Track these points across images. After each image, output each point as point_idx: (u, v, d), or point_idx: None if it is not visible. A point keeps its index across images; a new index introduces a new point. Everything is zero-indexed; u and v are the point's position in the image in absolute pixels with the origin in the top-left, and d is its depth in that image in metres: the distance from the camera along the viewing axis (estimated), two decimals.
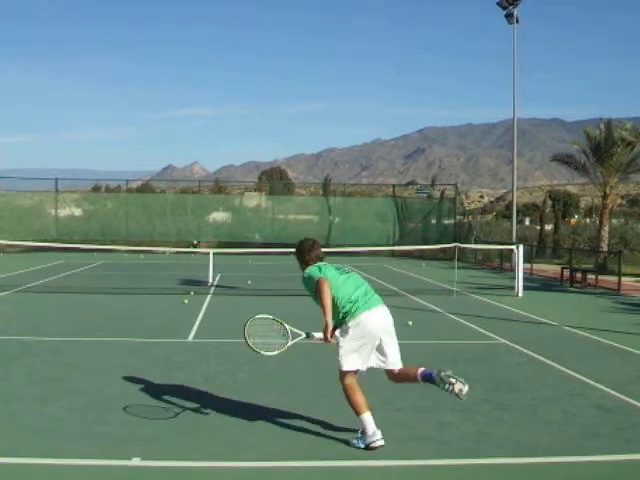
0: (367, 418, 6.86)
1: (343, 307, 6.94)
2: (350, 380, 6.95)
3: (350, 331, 6.90)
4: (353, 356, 6.90)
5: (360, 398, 6.92)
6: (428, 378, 6.98)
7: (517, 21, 36.94)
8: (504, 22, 37.54)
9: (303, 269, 7.35)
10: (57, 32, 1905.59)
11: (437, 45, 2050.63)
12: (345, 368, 6.91)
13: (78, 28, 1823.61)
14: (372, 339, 6.95)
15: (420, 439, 7.18)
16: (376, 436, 6.80)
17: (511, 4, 36.79)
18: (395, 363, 7.16)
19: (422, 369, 7.04)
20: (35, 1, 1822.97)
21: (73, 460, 6.33)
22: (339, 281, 7.05)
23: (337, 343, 6.94)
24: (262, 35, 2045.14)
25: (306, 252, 7.43)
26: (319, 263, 7.34)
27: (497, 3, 37.37)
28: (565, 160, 34.06)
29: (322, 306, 6.85)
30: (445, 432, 7.41)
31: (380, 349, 7.05)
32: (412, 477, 6.25)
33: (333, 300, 6.90)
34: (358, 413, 6.89)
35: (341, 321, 6.97)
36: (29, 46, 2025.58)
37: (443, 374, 6.82)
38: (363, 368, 7.02)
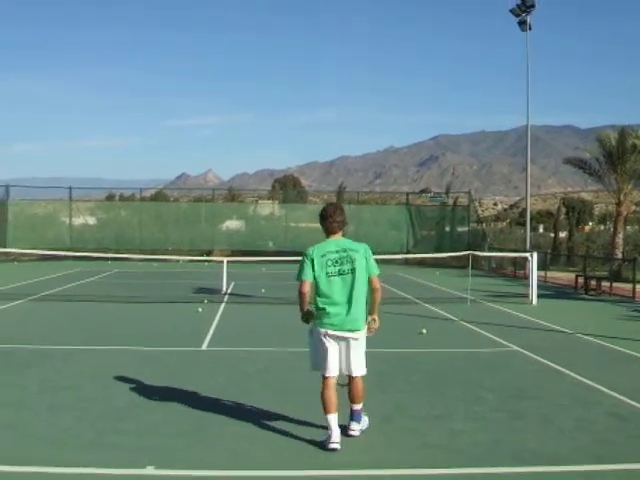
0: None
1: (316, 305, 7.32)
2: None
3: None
4: None
5: None
6: (355, 415, 7.60)
7: (530, 28, 36.87)
8: (517, 29, 37.51)
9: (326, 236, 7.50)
10: (64, 39, 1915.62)
11: (449, 53, 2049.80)
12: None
13: (87, 35, 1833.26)
14: None
15: (432, 447, 7.14)
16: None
17: (524, 11, 36.72)
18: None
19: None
20: (44, 8, 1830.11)
21: (85, 469, 6.33)
22: (322, 282, 7.26)
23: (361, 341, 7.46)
24: (274, 42, 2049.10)
25: (328, 218, 7.40)
26: (331, 244, 7.36)
27: (510, 10, 37.30)
28: (578, 164, 33.94)
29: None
30: (457, 440, 7.38)
31: None
32: None
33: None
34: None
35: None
36: (35, 53, 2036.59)
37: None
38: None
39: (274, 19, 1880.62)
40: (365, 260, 7.34)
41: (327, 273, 7.21)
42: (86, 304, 19.43)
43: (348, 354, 7.27)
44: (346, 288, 7.22)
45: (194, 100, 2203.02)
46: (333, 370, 7.24)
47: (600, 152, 32.53)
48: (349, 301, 7.20)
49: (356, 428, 7.44)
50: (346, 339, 7.23)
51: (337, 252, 7.27)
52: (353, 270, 7.23)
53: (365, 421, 7.62)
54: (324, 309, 7.19)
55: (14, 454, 6.69)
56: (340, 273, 7.23)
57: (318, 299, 7.24)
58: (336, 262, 7.23)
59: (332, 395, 7.20)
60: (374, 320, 7.44)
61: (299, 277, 7.33)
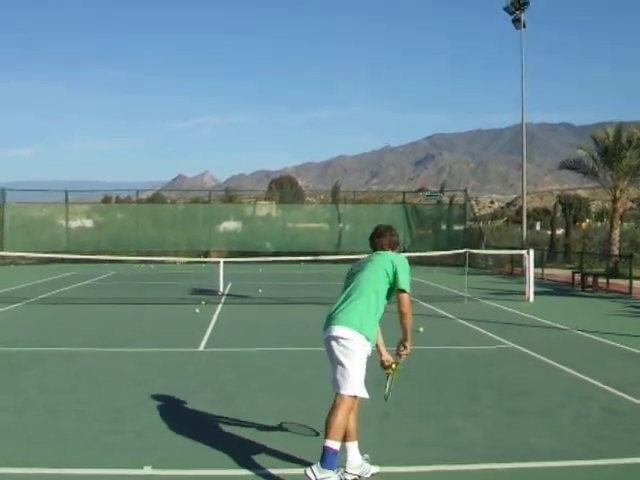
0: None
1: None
2: None
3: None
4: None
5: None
6: (326, 457, 5.86)
7: (524, 26, 36.92)
8: (511, 27, 37.56)
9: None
10: (60, 41, 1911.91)
11: (444, 51, 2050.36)
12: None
13: (82, 37, 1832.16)
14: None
15: (428, 444, 7.17)
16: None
17: (518, 9, 36.78)
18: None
19: (331, 444, 5.90)
20: (41, 10, 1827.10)
21: (84, 470, 6.35)
22: None
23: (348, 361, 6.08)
24: (268, 42, 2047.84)
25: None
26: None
27: (504, 8, 37.36)
28: (574, 166, 33.98)
29: (408, 324, 6.39)
30: (455, 437, 7.41)
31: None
32: None
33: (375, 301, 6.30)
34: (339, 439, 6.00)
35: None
36: (32, 55, 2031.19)
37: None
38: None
39: (270, 20, 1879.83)
40: (383, 269, 6.33)
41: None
42: (83, 307, 19.43)
43: (332, 359, 6.22)
44: (347, 290, 6.39)
45: (189, 101, 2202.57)
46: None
47: (595, 149, 32.56)
48: (343, 298, 6.33)
49: (310, 475, 5.80)
50: (329, 339, 6.21)
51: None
52: (360, 273, 6.45)
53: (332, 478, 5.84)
54: None
55: (13, 456, 6.70)
56: (347, 283, 6.49)
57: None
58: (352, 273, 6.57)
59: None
60: (404, 346, 6.42)
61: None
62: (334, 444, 5.85)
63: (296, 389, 9.61)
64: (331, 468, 5.82)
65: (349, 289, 6.36)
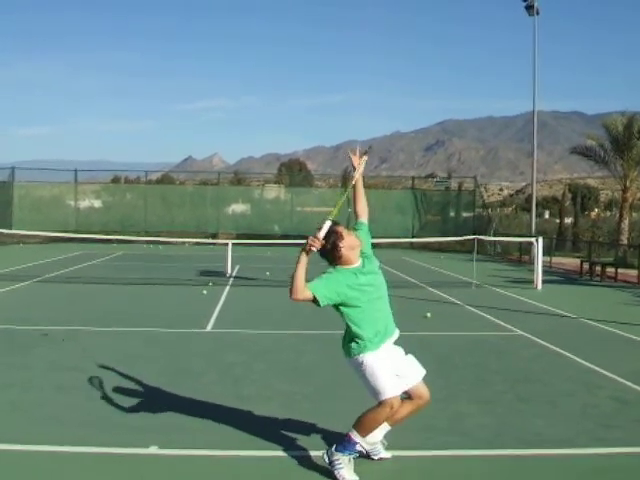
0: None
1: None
2: None
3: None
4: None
5: None
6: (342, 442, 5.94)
7: (537, 13, 36.70)
8: (524, 14, 37.33)
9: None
10: (73, 24, 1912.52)
11: (457, 38, 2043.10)
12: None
13: (94, 19, 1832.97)
14: None
15: (438, 430, 7.13)
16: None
17: None
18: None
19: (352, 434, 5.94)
20: None
21: (90, 448, 6.35)
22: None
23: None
24: (279, 27, 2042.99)
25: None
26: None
27: None
28: (584, 153, 33.83)
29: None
30: (464, 423, 7.39)
31: None
32: (429, 467, 6.23)
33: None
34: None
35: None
36: (43, 38, 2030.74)
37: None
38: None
39: (282, 4, 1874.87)
40: None
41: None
42: (91, 286, 19.46)
43: None
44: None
45: (200, 84, 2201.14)
46: None
47: (607, 138, 32.41)
48: None
49: (324, 457, 5.96)
50: None
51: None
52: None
53: (341, 463, 5.84)
54: None
55: (19, 433, 6.72)
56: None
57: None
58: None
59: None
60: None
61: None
62: (355, 436, 5.87)
63: (302, 372, 9.60)
64: (342, 452, 5.84)
65: None
